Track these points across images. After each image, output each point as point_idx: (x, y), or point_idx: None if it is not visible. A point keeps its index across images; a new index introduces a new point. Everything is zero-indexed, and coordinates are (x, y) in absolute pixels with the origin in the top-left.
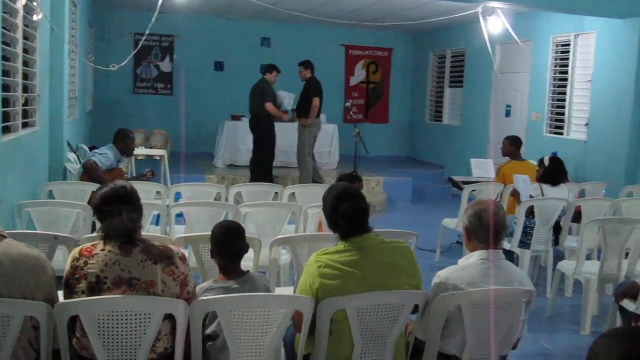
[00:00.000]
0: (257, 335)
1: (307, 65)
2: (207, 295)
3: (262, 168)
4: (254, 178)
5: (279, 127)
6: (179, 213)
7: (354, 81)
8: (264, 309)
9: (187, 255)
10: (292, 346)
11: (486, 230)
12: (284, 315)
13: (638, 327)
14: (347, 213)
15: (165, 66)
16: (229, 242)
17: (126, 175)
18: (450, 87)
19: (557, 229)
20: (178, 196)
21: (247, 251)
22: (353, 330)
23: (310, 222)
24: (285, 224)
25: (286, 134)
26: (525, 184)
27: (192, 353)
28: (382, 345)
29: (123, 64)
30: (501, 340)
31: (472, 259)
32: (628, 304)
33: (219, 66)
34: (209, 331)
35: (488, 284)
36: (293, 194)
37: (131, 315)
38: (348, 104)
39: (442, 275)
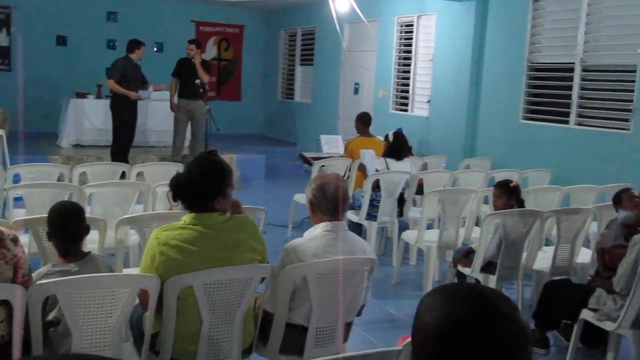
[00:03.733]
0: (100, 317)
1: (199, 45)
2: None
3: (120, 150)
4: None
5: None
6: (18, 196)
7: (205, 58)
8: (106, 290)
9: (27, 239)
10: (139, 326)
11: (329, 202)
12: (128, 295)
13: (458, 283)
14: (204, 173)
15: (1, 39)
16: (66, 223)
17: None
18: (301, 64)
19: (401, 200)
20: (17, 178)
21: (87, 232)
22: (200, 306)
23: (159, 200)
24: (133, 204)
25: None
26: (371, 158)
27: (31, 340)
28: (230, 320)
29: None
30: (346, 307)
31: (316, 231)
32: (463, 269)
33: (62, 40)
34: (50, 317)
35: (332, 254)
36: (141, 172)
37: None
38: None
39: (288, 247)
